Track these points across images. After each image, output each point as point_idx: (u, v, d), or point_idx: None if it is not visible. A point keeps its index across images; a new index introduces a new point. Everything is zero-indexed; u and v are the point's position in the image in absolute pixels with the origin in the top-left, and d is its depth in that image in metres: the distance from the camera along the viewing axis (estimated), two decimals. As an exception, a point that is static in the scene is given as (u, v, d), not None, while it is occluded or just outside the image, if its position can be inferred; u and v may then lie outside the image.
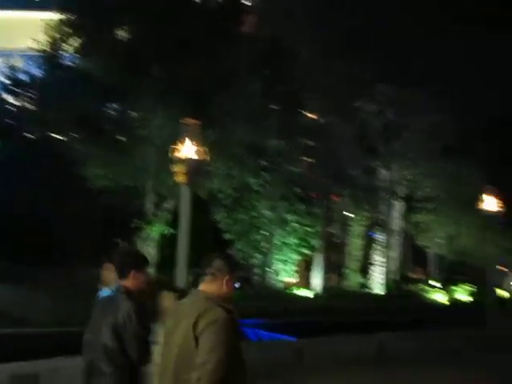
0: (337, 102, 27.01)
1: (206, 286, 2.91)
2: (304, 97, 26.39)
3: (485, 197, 13.72)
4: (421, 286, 34.62)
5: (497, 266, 35.28)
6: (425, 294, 33.05)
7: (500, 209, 13.59)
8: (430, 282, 36.12)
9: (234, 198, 25.80)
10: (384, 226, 32.01)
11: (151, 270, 22.34)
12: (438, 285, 35.80)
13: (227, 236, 26.29)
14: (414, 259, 39.90)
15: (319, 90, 26.54)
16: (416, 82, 26.01)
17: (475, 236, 27.54)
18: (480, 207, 13.87)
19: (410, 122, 28.71)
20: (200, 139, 13.31)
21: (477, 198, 14.47)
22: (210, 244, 29.09)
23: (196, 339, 2.68)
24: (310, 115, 28.70)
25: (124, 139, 21.79)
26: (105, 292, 3.92)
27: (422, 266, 41.49)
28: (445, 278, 37.98)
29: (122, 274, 3.67)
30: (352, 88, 27.07)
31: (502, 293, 39.82)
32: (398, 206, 32.61)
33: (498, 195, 13.90)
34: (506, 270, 42.78)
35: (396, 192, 31.58)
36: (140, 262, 3.81)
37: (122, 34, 22.77)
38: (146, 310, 3.62)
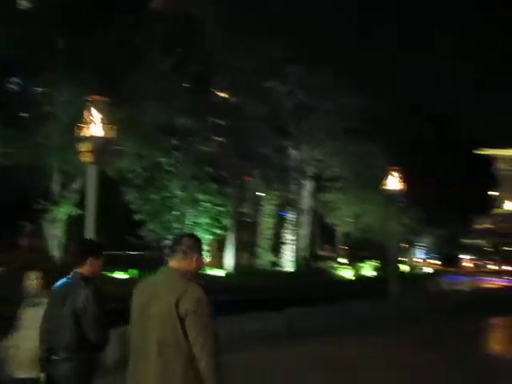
0: (248, 81, 27.11)
1: (178, 263, 3.06)
2: (215, 76, 26.25)
3: (388, 176, 14.37)
4: (329, 262, 35.90)
5: (400, 243, 37.42)
6: (333, 271, 34.32)
7: (402, 188, 14.29)
8: (338, 259, 37.56)
9: (145, 177, 25.31)
10: (294, 205, 32.77)
11: (59, 253, 21.66)
12: (346, 261, 37.30)
13: (139, 216, 25.80)
14: (323, 237, 41.26)
15: (230, 69, 26.50)
16: (325, 64, 26.64)
17: (379, 214, 28.83)
18: (384, 186, 14.50)
19: (319, 103, 29.37)
20: (108, 117, 12.87)
21: (381, 178, 15.10)
22: (121, 225, 28.52)
23: (180, 319, 2.85)
24: (221, 94, 28.61)
25: (26, 115, 20.68)
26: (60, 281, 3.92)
27: (331, 244, 43.03)
28: (352, 254, 39.63)
29: (79, 262, 3.79)
30: (263, 68, 27.27)
31: (404, 267, 42.24)
32: (308, 186, 33.47)
33: (400, 175, 14.59)
34: (407, 245, 45.32)
35: (306, 172, 32.36)
36: (97, 249, 3.97)
37: (24, 3, 21.51)
38: (102, 296, 3.73)
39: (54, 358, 3.60)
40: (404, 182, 14.48)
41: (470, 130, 42.65)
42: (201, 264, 3.23)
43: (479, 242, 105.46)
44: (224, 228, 28.37)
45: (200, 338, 2.85)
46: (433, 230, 37.93)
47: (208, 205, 26.87)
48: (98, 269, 3.87)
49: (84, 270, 3.77)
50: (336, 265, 35.57)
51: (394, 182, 13.97)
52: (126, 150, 22.44)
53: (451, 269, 62.95)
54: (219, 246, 30.43)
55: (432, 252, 52.32)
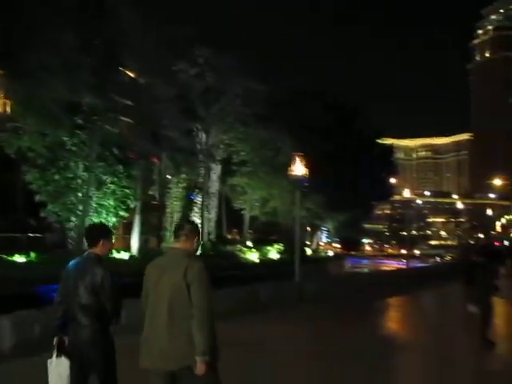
0: (157, 62, 26.58)
1: (182, 245, 3.96)
2: (123, 55, 25.50)
3: (294, 162, 14.74)
4: (237, 246, 36.30)
5: (305, 227, 38.55)
6: (240, 254, 34.76)
7: (306, 174, 14.70)
8: (246, 242, 38.06)
9: (47, 157, 24.26)
10: (203, 189, 32.76)
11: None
12: (252, 245, 37.88)
13: (39, 197, 24.72)
14: (230, 221, 41.62)
15: (139, 49, 25.84)
16: (234, 49, 26.72)
17: (285, 199, 29.50)
18: (289, 171, 14.85)
19: (227, 87, 29.45)
20: (3, 91, 12.16)
21: (287, 163, 15.43)
22: (20, 206, 27.21)
23: (188, 286, 3.74)
24: (129, 74, 27.90)
25: None
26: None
27: (239, 228, 43.51)
28: (258, 238, 40.31)
29: (93, 243, 4.38)
30: (171, 49, 26.85)
31: (308, 250, 43.63)
32: (217, 170, 33.58)
33: (305, 161, 14.96)
34: (312, 229, 46.78)
35: (214, 155, 32.42)
36: (107, 232, 4.55)
37: None
38: (112, 274, 4.35)
39: (73, 324, 4.27)
40: (308, 167, 14.88)
41: (373, 120, 44.50)
42: (198, 245, 4.13)
43: (379, 226, 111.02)
44: (130, 210, 27.89)
45: (199, 301, 3.73)
46: (336, 214, 39.33)
47: (114, 187, 26.25)
48: (108, 249, 4.50)
49: (97, 250, 4.36)
50: (243, 248, 36.04)
51: (298, 168, 14.37)
52: (27, 127, 21.37)
53: (353, 252, 65.92)
54: (126, 229, 29.88)
55: (335, 236, 54.27)
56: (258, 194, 34.90)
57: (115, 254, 25.97)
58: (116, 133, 26.09)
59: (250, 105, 28.80)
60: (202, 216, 32.42)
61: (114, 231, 27.17)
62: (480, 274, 8.66)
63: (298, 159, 14.75)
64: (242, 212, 38.82)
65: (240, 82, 28.58)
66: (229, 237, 41.39)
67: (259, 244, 38.00)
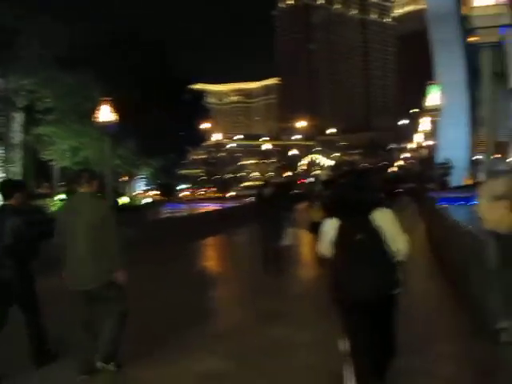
0: None
1: (86, 188, 5.06)
2: None
3: (101, 107, 14.19)
4: (47, 200, 34.36)
5: (119, 175, 37.73)
6: (52, 208, 33.00)
7: (116, 119, 14.30)
8: (57, 195, 36.15)
9: None
10: (3, 140, 30.13)
11: None
12: (65, 197, 36.14)
13: None
14: (39, 174, 39.05)
15: None
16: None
17: (96, 147, 28.43)
18: (97, 118, 14.29)
19: (23, 26, 26.83)
20: None
21: (94, 109, 14.83)
22: None
23: (101, 219, 4.93)
24: None
25: None
26: None
27: (48, 181, 41.07)
28: (70, 190, 38.54)
29: (8, 196, 5.18)
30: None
31: (124, 199, 42.98)
32: (19, 118, 30.96)
33: (113, 106, 14.52)
34: (127, 177, 46.02)
35: (15, 102, 29.80)
36: (21, 186, 5.46)
37: None
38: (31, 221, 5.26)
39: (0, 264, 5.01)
40: (118, 112, 14.45)
41: (185, 64, 44.32)
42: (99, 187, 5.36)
43: (196, 171, 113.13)
44: None
45: (113, 229, 5.00)
46: (150, 161, 39.11)
47: None
48: (22, 201, 5.23)
49: (13, 201, 5.13)
50: (54, 202, 34.25)
51: (105, 114, 13.87)
52: None
53: (171, 198, 66.51)
54: None
55: (152, 183, 54.09)
56: (67, 143, 33.04)
57: None
58: None
59: (50, 47, 26.63)
60: (5, 170, 29.97)
61: None
62: (271, 210, 9.25)
63: (105, 105, 14.26)
64: (52, 164, 36.63)
65: (38, 21, 26.15)
66: (39, 191, 38.98)
67: (71, 195, 36.39)
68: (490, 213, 2.63)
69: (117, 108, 14.78)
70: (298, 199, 25.41)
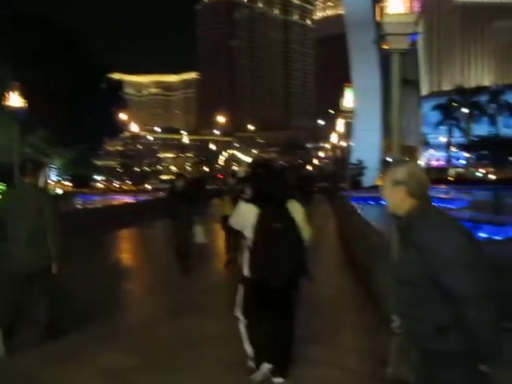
0: None
1: (30, 179, 5.42)
2: None
3: (9, 93, 13.51)
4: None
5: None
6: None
7: (24, 106, 13.67)
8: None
9: None
10: None
11: None
12: (5, 187, 34.15)
13: None
14: None
15: None
16: None
17: (5, 134, 27.05)
18: (6, 104, 13.58)
19: None
20: None
21: (3, 96, 14.07)
22: None
23: (41, 208, 5.33)
24: None
25: None
26: None
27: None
28: (10, 180, 36.34)
29: None
30: None
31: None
32: None
33: (23, 92, 13.85)
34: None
35: None
36: None
37: None
38: None
39: None
40: (28, 99, 13.81)
41: (104, 53, 43.10)
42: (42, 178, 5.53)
43: (111, 163, 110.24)
44: None
45: (53, 218, 5.39)
46: (63, 151, 37.72)
47: None
48: None
49: None
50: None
51: (15, 99, 13.23)
52: None
53: (84, 189, 64.47)
54: None
55: (64, 173, 52.17)
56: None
57: None
58: None
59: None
60: None
61: None
62: (182, 204, 9.05)
63: (13, 90, 13.60)
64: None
65: None
66: None
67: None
68: (391, 197, 2.86)
69: (26, 95, 14.12)
70: (214, 194, 25.48)
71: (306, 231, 4.58)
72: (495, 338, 2.53)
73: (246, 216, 4.55)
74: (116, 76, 55.47)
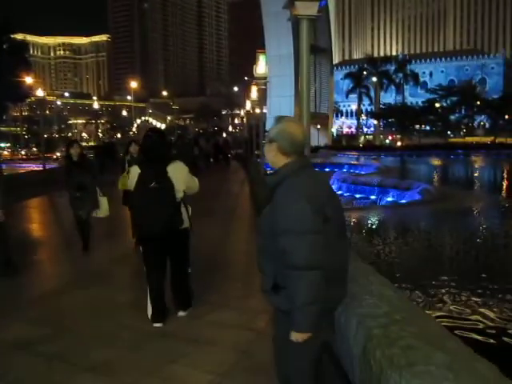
0: None
1: None
2: None
3: None
4: None
5: None
6: None
7: None
8: None
9: None
10: None
11: None
12: None
13: None
14: None
15: None
16: None
17: None
18: None
19: None
20: None
21: None
22: None
23: None
24: None
25: None
26: None
27: None
28: None
29: None
30: None
31: None
32: None
33: None
34: None
35: None
36: None
37: None
38: None
39: None
40: None
41: (6, 11, 40.35)
42: None
43: (17, 129, 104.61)
44: None
45: None
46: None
47: None
48: None
49: None
50: None
51: None
52: None
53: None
54: None
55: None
56: None
57: None
58: None
59: None
60: None
61: None
62: (80, 175, 8.45)
63: None
64: None
65: None
66: None
67: None
68: (267, 154, 3.00)
69: None
70: (121, 163, 24.87)
71: (192, 182, 5.26)
72: (311, 314, 2.62)
73: (132, 177, 5.07)
74: (20, 36, 52.22)
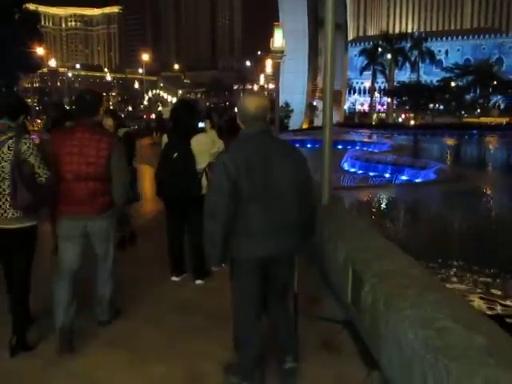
0: None
1: None
2: None
3: None
4: None
5: None
6: None
7: None
8: None
9: None
10: None
11: None
12: None
13: None
14: None
15: None
16: None
17: None
18: None
19: None
20: None
21: None
22: None
23: None
24: None
25: None
26: None
27: None
28: None
29: None
30: None
31: None
32: None
33: None
34: None
35: None
36: None
37: None
38: None
39: None
40: None
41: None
42: None
43: (27, 100, 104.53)
44: None
45: None
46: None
47: None
48: None
49: None
50: None
51: None
52: None
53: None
54: None
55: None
56: None
57: None
58: None
59: None
60: None
61: None
62: None
63: None
64: None
65: None
66: None
67: None
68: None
69: None
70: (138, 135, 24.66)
71: (218, 148, 5.54)
72: (210, 251, 3.15)
73: (162, 143, 5.48)
74: (32, 6, 51.79)
